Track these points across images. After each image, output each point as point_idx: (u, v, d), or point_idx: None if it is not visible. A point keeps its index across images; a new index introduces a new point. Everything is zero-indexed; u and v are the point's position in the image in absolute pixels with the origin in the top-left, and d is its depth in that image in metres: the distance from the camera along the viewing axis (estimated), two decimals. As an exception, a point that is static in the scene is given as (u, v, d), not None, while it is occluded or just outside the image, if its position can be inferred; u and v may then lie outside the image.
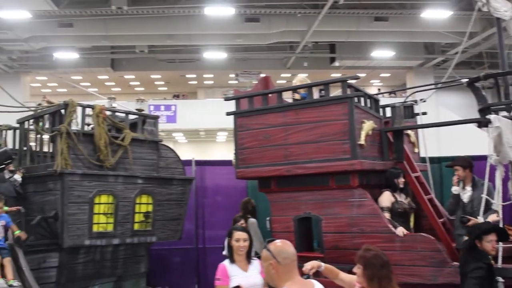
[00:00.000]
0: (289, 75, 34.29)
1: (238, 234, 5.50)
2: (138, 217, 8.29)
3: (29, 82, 30.37)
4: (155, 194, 8.46)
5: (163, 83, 38.63)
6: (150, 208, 8.43)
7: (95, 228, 7.76)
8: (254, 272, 5.35)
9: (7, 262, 6.72)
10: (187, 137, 38.60)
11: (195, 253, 11.08)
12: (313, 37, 24.90)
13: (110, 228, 7.93)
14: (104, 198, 7.84)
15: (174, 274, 10.95)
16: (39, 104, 8.83)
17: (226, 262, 5.54)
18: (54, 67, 28.02)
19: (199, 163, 10.88)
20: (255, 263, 5.42)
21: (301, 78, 8.24)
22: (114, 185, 7.93)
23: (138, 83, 38.08)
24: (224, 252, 8.72)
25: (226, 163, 10.83)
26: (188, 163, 10.10)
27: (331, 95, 7.48)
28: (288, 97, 8.18)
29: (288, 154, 7.23)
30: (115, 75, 32.82)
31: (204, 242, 11.09)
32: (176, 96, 35.11)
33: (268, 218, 8.45)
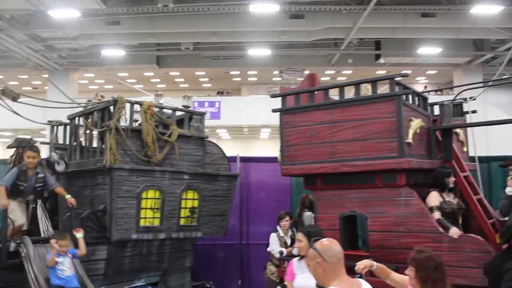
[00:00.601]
0: (333, 72, 34.09)
1: (297, 235, 5.64)
2: (184, 212, 8.37)
3: (77, 79, 31.05)
4: (200, 190, 8.53)
5: (207, 79, 38.94)
6: (195, 203, 8.50)
7: (142, 223, 7.87)
8: None
9: None
10: (230, 133, 38.82)
11: (239, 249, 11.15)
12: (358, 34, 24.66)
13: (156, 222, 8.04)
14: (151, 193, 7.94)
15: (217, 269, 11.06)
16: (89, 101, 9.02)
17: (296, 259, 5.61)
18: (101, 64, 28.58)
19: (244, 159, 10.94)
20: None
21: None
22: (161, 181, 8.03)
23: (182, 79, 38.50)
24: (268, 249, 8.78)
25: (271, 159, 10.87)
26: (233, 159, 10.16)
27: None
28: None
29: (334, 152, 7.19)
30: (161, 72, 33.25)
31: (248, 238, 11.15)
32: (220, 93, 35.35)
33: (313, 216, 8.45)
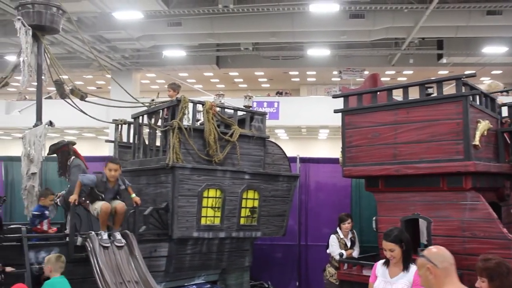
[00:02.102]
0: (393, 72, 33.50)
1: (384, 244, 5.39)
2: (244, 212, 8.42)
3: (139, 79, 31.79)
4: (261, 189, 8.55)
5: (266, 80, 39.06)
6: (256, 203, 8.53)
7: (203, 221, 7.98)
8: (401, 282, 5.18)
9: None
10: (288, 134, 38.81)
11: (297, 250, 11.11)
12: (419, 33, 24.11)
13: (217, 221, 8.12)
14: (212, 192, 8.03)
15: (275, 269, 11.05)
16: (152, 100, 9.20)
17: (381, 262, 5.49)
18: (162, 64, 29.13)
19: (304, 160, 10.89)
20: (409, 273, 5.22)
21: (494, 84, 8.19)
22: (222, 180, 8.10)
23: (241, 80, 38.76)
24: (328, 251, 8.71)
25: (331, 160, 10.77)
26: (292, 160, 10.13)
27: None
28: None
29: (397, 153, 7.07)
30: (220, 72, 33.58)
31: (307, 240, 11.10)
32: (279, 93, 35.38)
33: (374, 218, 8.31)
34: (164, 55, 27.58)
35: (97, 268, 6.78)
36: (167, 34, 23.86)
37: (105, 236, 7.15)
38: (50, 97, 26.25)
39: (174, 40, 24.96)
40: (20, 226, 7.58)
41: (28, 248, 7.00)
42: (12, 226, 8.01)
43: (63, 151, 8.67)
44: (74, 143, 8.83)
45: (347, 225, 8.71)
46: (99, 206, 7.31)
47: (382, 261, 5.46)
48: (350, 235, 8.79)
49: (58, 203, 8.59)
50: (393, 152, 7.13)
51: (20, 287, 5.95)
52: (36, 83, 8.66)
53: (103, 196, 7.45)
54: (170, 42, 25.24)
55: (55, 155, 8.75)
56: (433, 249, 3.66)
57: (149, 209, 7.76)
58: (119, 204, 7.41)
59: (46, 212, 7.85)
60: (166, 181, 7.90)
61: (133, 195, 7.62)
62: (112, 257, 6.98)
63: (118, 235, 7.24)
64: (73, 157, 8.60)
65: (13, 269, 6.62)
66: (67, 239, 7.30)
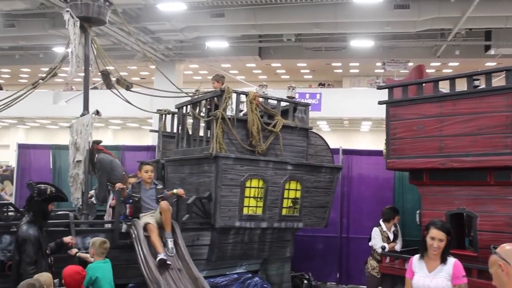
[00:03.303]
0: (438, 64, 32.83)
1: (434, 232, 5.03)
2: (286, 203, 8.43)
3: (182, 70, 32.01)
4: (303, 180, 8.54)
5: (308, 71, 38.83)
6: (298, 194, 8.53)
7: (245, 211, 8.03)
8: (440, 275, 4.99)
9: None
10: (330, 125, 38.55)
11: (338, 242, 11.10)
12: (466, 24, 23.45)
13: (259, 211, 8.16)
14: (254, 182, 8.06)
15: (316, 261, 11.07)
16: (197, 90, 9.28)
17: (416, 256, 5.29)
18: (205, 55, 29.26)
19: (346, 152, 10.84)
20: (447, 266, 5.01)
21: None
22: (265, 170, 8.13)
23: (284, 71, 38.63)
24: (370, 243, 8.66)
25: (374, 153, 10.70)
26: (335, 151, 10.08)
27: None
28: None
29: (443, 146, 6.97)
30: (262, 63, 33.53)
31: (348, 232, 11.08)
32: (322, 85, 35.15)
33: (418, 212, 8.22)
34: (207, 46, 27.69)
35: (141, 254, 6.93)
36: (210, 25, 23.93)
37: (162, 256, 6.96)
38: (95, 88, 26.76)
39: (217, 31, 25.02)
40: (68, 212, 7.80)
41: (75, 234, 7.21)
42: (60, 212, 8.25)
43: (89, 151, 8.88)
44: (99, 142, 9.00)
45: (397, 219, 8.66)
46: (144, 221, 7.31)
47: (417, 255, 5.25)
48: (393, 228, 8.71)
49: (94, 201, 8.82)
50: (438, 145, 7.02)
51: (74, 268, 6.11)
52: (82, 74, 8.84)
53: (138, 196, 7.52)
54: (213, 33, 25.30)
55: None
56: (506, 246, 3.54)
57: (192, 198, 7.84)
58: (162, 203, 7.35)
59: None
60: (209, 171, 7.98)
61: (175, 190, 7.71)
62: (156, 244, 7.09)
63: (170, 243, 7.13)
64: (96, 154, 8.81)
65: (72, 241, 6.86)
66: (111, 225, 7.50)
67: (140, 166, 7.67)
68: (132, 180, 8.25)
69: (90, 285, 6.29)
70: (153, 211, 7.43)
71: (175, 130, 9.77)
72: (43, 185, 6.53)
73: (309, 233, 10.82)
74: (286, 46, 28.57)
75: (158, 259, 6.80)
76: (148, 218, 7.31)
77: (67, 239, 6.78)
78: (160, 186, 7.67)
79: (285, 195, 8.40)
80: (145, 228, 7.20)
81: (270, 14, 22.68)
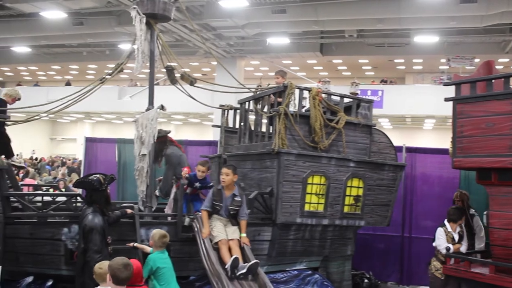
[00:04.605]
0: (507, 60, 31.66)
1: None
2: (348, 200, 8.34)
3: (243, 66, 32.22)
4: (366, 178, 8.43)
5: (370, 67, 38.32)
6: (360, 192, 8.43)
7: (306, 207, 7.99)
8: None
9: None
10: (392, 123, 37.91)
11: (400, 241, 10.89)
12: (539, 18, 22.59)
13: (320, 208, 8.11)
14: (316, 179, 8.02)
15: (376, 260, 10.92)
16: (259, 86, 9.31)
17: None
18: (266, 52, 29.33)
19: (410, 150, 10.61)
20: None
21: None
22: (327, 167, 8.07)
23: (345, 67, 38.26)
24: (434, 244, 8.44)
25: (439, 151, 10.43)
26: (398, 149, 9.89)
27: None
28: None
29: (513, 145, 6.70)
30: (323, 59, 33.30)
31: (410, 231, 10.85)
32: (384, 81, 34.61)
33: (485, 213, 7.96)
34: (268, 42, 27.75)
35: (203, 248, 7.01)
36: (271, 21, 23.96)
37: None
38: (157, 84, 27.32)
39: (278, 28, 25.02)
40: (133, 204, 8.00)
41: (140, 226, 7.39)
42: (125, 205, 8.47)
43: (161, 142, 9.03)
44: (168, 132, 9.32)
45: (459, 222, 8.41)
46: (215, 236, 7.11)
47: None
48: (458, 229, 8.45)
49: (157, 193, 9.00)
50: (508, 144, 6.75)
51: (133, 262, 6.25)
52: (146, 70, 9.02)
53: (221, 205, 7.25)
54: (274, 29, 25.32)
55: None
56: None
57: (254, 193, 7.88)
58: (232, 241, 7.04)
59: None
60: (271, 166, 7.99)
61: (244, 234, 7.21)
62: (217, 238, 7.15)
63: (243, 269, 6.67)
64: (167, 147, 8.99)
65: (132, 211, 7.32)
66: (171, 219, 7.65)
67: (221, 169, 7.48)
68: (202, 168, 8.37)
69: (151, 274, 6.44)
70: (226, 219, 7.28)
71: (237, 126, 9.85)
72: (94, 177, 6.91)
73: (370, 232, 10.68)
74: (348, 42, 28.28)
75: (232, 258, 6.67)
76: (219, 231, 7.12)
77: (129, 210, 7.29)
78: (238, 199, 7.22)
79: (347, 193, 8.31)
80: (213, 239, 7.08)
81: (332, 10, 22.48)
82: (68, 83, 40.77)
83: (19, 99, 8.78)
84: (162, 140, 9.11)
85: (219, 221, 7.25)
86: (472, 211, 8.80)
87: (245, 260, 6.84)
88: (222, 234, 7.07)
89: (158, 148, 8.95)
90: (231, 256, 6.77)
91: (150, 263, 6.45)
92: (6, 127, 8.31)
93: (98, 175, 6.94)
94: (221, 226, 7.18)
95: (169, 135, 9.45)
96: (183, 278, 7.38)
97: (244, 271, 6.58)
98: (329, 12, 22.61)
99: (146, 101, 8.79)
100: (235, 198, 7.23)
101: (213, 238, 7.05)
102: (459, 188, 9.71)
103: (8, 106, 8.54)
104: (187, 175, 8.42)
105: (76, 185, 7.51)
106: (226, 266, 6.62)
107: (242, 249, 7.03)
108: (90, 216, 6.55)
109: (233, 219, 7.28)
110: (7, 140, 8.43)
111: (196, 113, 34.96)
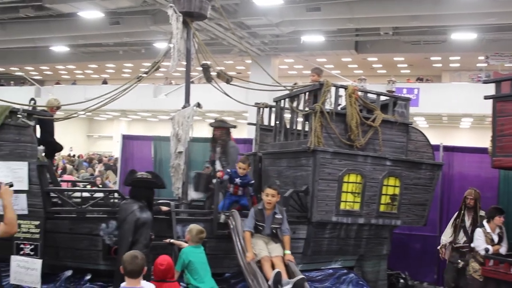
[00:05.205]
0: (549, 57, 30.91)
1: None
2: (384, 199, 8.28)
3: (277, 64, 32.18)
4: (402, 177, 8.34)
5: (405, 65, 37.83)
6: (397, 191, 8.35)
7: (342, 206, 7.97)
8: None
9: None
10: (428, 121, 37.39)
11: (437, 241, 10.71)
12: None
13: (356, 207, 8.07)
14: (352, 177, 7.98)
15: (412, 260, 10.77)
16: (295, 84, 9.29)
17: None
18: (301, 50, 29.23)
19: (447, 148, 10.44)
20: None
21: None
22: (363, 165, 8.01)
23: (380, 65, 37.87)
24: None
25: (478, 150, 10.24)
26: (435, 148, 9.74)
27: None
28: None
29: (556, 144, 6.55)
30: (358, 57, 33.03)
31: (448, 232, 10.67)
32: (420, 79, 34.15)
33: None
34: (302, 40, 27.66)
35: (239, 245, 7.03)
36: (306, 19, 23.87)
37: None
38: (192, 82, 27.51)
39: (313, 26, 24.91)
40: (169, 201, 8.08)
41: (176, 222, 7.47)
42: (160, 201, 8.57)
43: (226, 132, 9.14)
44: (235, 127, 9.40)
45: (497, 219, 8.24)
46: (257, 255, 6.88)
47: None
48: (497, 230, 8.30)
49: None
50: (550, 143, 6.61)
51: (164, 259, 6.32)
52: (180, 68, 9.07)
53: (263, 225, 7.05)
54: (309, 27, 25.22)
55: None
56: None
57: (289, 191, 7.88)
58: (276, 258, 6.83)
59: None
60: (306, 164, 7.98)
61: (288, 252, 6.97)
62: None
63: (288, 284, 6.44)
64: (229, 141, 9.03)
65: (167, 208, 7.54)
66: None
67: (264, 187, 7.27)
68: (243, 165, 8.22)
69: (184, 268, 6.50)
70: (267, 238, 7.11)
71: (272, 123, 9.85)
72: (138, 175, 7.05)
73: (407, 231, 10.54)
74: (383, 40, 27.98)
75: (275, 272, 6.47)
76: (261, 248, 6.94)
77: (164, 208, 7.48)
78: (279, 216, 7.05)
79: (383, 191, 8.24)
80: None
81: (367, 7, 22.27)
82: (104, 82, 41.40)
83: (58, 108, 9.13)
84: (228, 131, 9.17)
85: (261, 239, 7.06)
86: (482, 212, 8.68)
87: (290, 276, 6.60)
88: (264, 251, 6.89)
89: (221, 138, 9.04)
90: None
91: (182, 256, 6.53)
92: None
93: (142, 174, 7.06)
94: (262, 244, 6.99)
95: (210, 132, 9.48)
96: (218, 275, 7.40)
97: (289, 286, 6.37)
98: (364, 10, 22.40)
99: (181, 99, 8.86)
100: (276, 216, 7.05)
101: (255, 256, 6.86)
102: (498, 189, 9.54)
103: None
104: (227, 174, 8.21)
105: (134, 183, 7.10)
106: (269, 282, 6.40)
107: (286, 266, 6.80)
108: (141, 210, 6.67)
109: (275, 236, 7.14)
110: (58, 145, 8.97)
111: (230, 111, 35.06)
